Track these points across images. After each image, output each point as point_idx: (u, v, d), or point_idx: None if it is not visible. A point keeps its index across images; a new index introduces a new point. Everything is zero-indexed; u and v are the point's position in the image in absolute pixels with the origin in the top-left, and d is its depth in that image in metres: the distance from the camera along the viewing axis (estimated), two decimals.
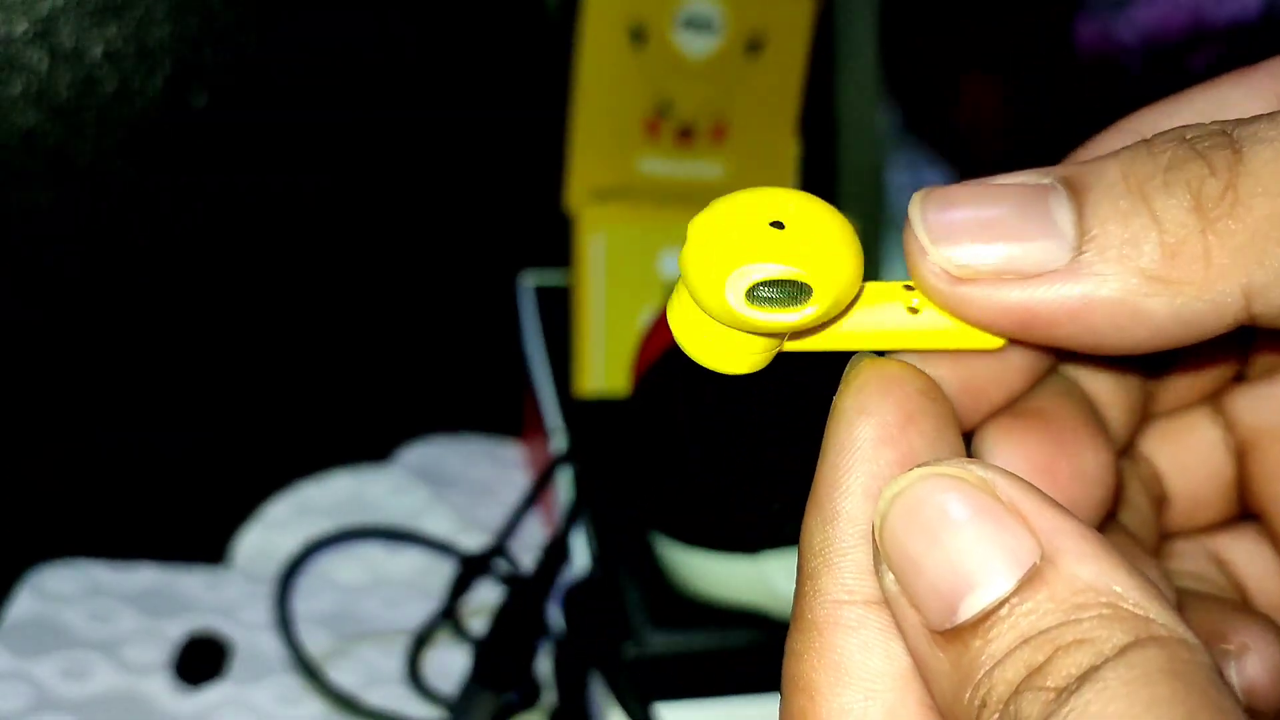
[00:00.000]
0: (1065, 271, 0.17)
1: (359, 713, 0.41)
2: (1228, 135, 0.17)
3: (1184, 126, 0.18)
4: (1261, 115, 0.18)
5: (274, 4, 0.55)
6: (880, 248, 0.67)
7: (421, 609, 0.47)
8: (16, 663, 0.42)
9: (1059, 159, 0.20)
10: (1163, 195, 0.17)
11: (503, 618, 0.39)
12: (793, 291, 0.20)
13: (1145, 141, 0.18)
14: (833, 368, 0.23)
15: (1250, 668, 0.21)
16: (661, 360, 0.39)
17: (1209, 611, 0.21)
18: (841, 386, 0.20)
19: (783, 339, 0.22)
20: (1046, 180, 0.18)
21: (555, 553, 0.39)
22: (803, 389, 0.40)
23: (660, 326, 0.40)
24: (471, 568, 0.45)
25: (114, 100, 0.53)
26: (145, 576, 0.48)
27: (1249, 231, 0.17)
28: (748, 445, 0.41)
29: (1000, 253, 0.18)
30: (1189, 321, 0.17)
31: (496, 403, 0.61)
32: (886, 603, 0.17)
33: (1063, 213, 0.18)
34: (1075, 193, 0.18)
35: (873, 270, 0.66)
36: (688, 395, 0.40)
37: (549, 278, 0.56)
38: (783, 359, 0.27)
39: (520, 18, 0.60)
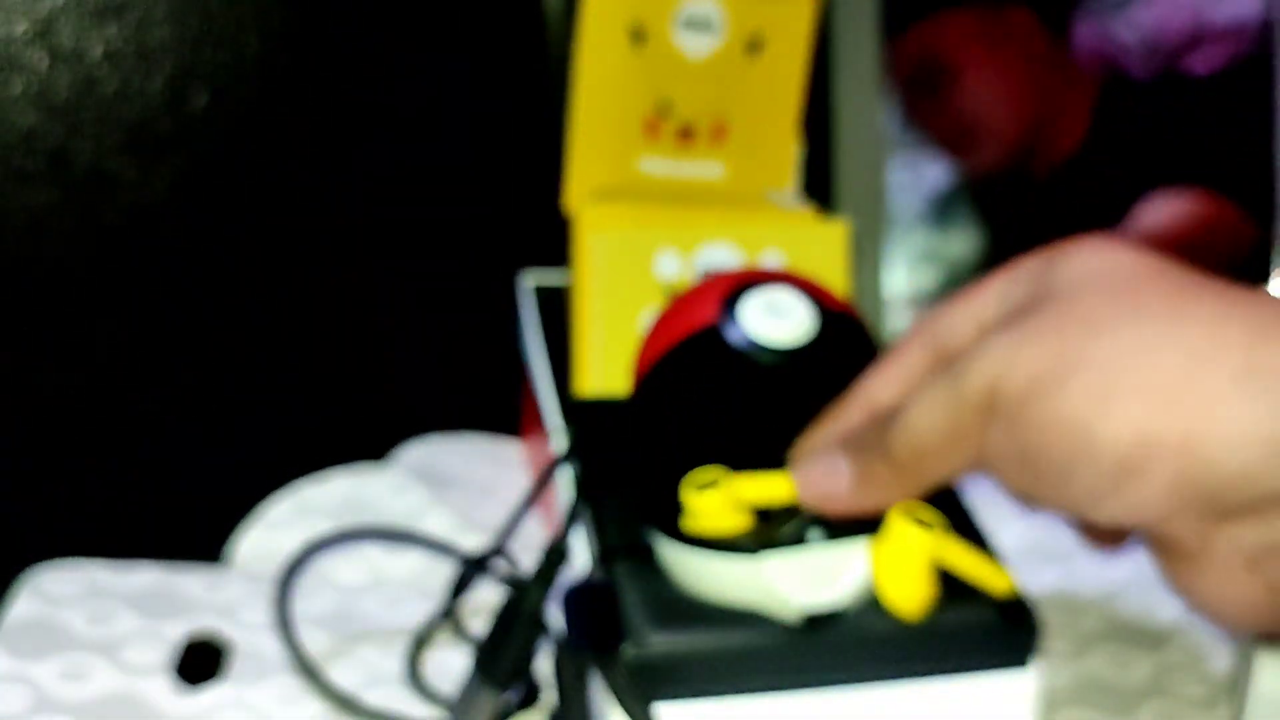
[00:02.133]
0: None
1: (359, 713, 0.41)
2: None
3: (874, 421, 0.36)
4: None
5: (274, 5, 0.55)
6: (880, 248, 0.67)
7: (421, 609, 0.47)
8: (16, 664, 0.42)
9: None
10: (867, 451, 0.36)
11: (502, 618, 0.39)
12: None
13: (862, 425, 0.37)
14: (818, 384, 0.39)
15: None
16: (661, 363, 0.39)
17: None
18: None
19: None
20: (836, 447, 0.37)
21: (555, 553, 0.39)
22: (798, 400, 0.41)
23: (660, 329, 0.40)
24: (471, 568, 0.45)
25: (114, 100, 0.53)
26: (145, 577, 0.48)
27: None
28: (744, 449, 0.41)
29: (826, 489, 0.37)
30: None
31: (496, 402, 0.62)
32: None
33: (843, 463, 0.37)
34: (845, 450, 0.37)
35: (871, 271, 0.66)
36: (685, 398, 0.40)
37: (549, 278, 0.56)
38: (776, 368, 0.37)
39: (520, 17, 0.61)
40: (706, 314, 0.38)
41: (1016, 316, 0.34)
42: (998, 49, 0.65)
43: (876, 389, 0.38)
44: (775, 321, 0.38)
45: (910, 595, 0.36)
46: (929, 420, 0.34)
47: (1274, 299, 0.32)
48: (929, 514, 0.36)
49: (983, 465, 0.34)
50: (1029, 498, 0.35)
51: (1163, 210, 0.65)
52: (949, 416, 0.33)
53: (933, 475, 0.35)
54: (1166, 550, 0.34)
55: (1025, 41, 0.65)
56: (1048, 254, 0.36)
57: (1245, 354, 0.30)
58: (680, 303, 0.40)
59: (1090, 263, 0.34)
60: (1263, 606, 0.33)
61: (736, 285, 0.39)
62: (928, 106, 0.65)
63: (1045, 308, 0.33)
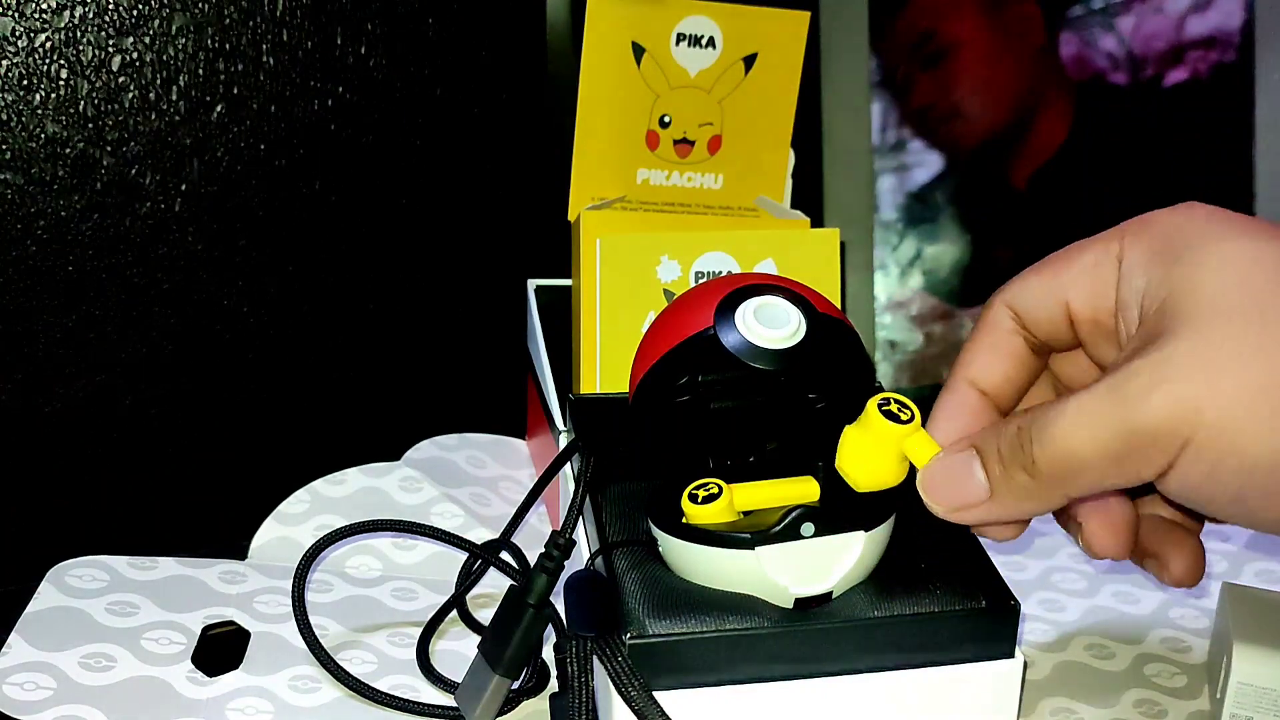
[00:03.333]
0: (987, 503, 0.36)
1: (372, 699, 0.42)
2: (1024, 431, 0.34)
3: (1009, 423, 0.35)
4: (1043, 406, 0.34)
5: (288, 19, 0.56)
6: (870, 254, 0.68)
7: (431, 599, 0.48)
8: (40, 654, 0.43)
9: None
10: (1007, 459, 0.35)
11: (508, 606, 0.40)
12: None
13: (995, 426, 0.35)
14: (810, 384, 0.40)
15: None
16: (659, 365, 0.40)
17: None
18: None
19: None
20: (969, 452, 0.36)
21: (559, 544, 0.40)
22: (791, 400, 0.42)
23: (657, 333, 0.41)
24: (479, 559, 0.46)
25: (133, 111, 0.53)
26: (166, 570, 0.49)
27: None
28: (739, 447, 0.43)
29: (960, 499, 0.36)
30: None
31: (503, 404, 0.62)
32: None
33: (978, 470, 0.36)
34: (979, 456, 0.36)
35: (867, 273, 0.67)
36: (683, 399, 0.41)
37: (554, 285, 0.57)
38: (770, 371, 0.38)
39: (525, 38, 0.61)
40: (702, 319, 0.39)
41: (1169, 327, 0.32)
42: (999, 32, 0.64)
43: (979, 373, 0.38)
44: (768, 325, 0.39)
45: (868, 476, 0.38)
46: (1088, 436, 0.32)
47: None
48: (908, 407, 0.37)
49: (1159, 486, 0.33)
50: (1209, 514, 0.34)
51: None
52: (1117, 438, 0.32)
53: (1082, 489, 0.34)
54: None
55: (1026, 31, 0.64)
56: (1160, 229, 0.34)
57: None
58: (676, 308, 0.41)
59: (1234, 259, 0.32)
60: None
61: (730, 291, 0.40)
62: (924, 80, 0.64)
63: (1210, 323, 0.31)
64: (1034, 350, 0.39)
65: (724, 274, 0.51)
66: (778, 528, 0.37)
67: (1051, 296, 0.37)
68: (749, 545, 0.37)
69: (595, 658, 0.37)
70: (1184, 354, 0.31)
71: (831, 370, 0.40)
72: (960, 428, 0.38)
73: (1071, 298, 0.36)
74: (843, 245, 0.54)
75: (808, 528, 0.37)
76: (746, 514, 0.40)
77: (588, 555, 0.42)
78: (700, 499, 0.39)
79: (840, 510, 0.38)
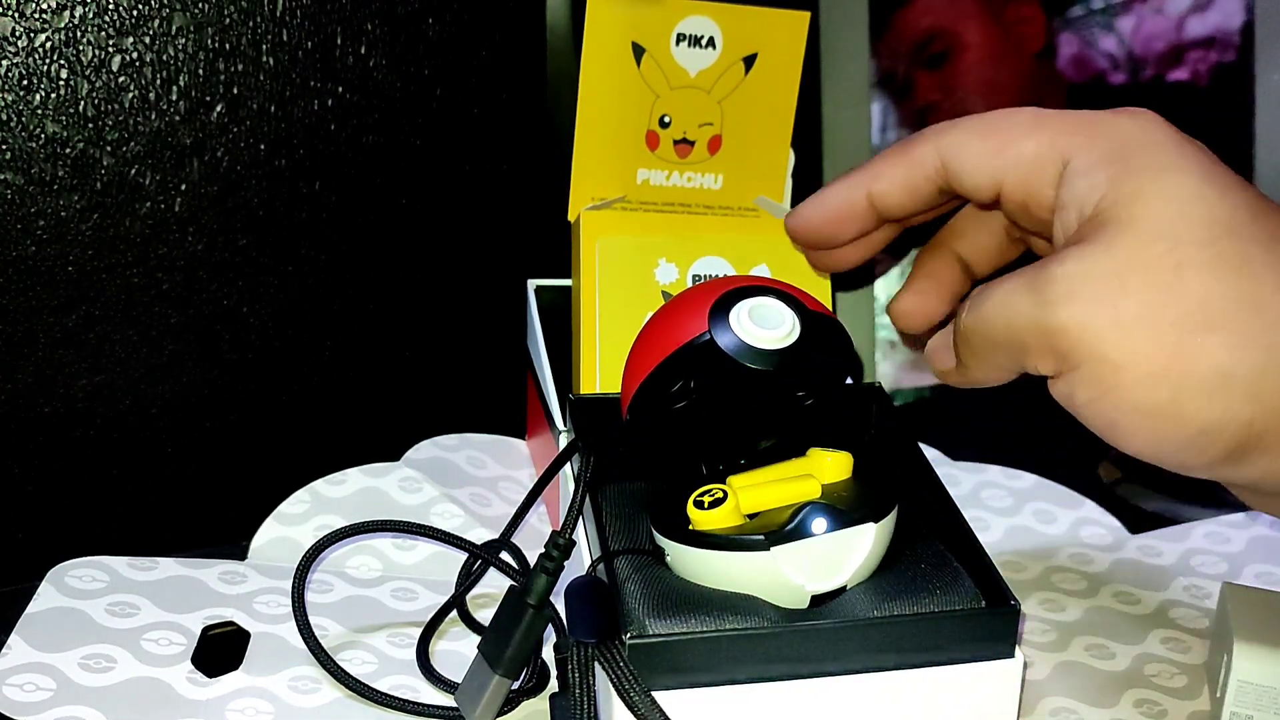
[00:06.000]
0: None
1: (372, 700, 0.42)
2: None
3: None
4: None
5: (288, 18, 0.56)
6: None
7: (431, 600, 0.48)
8: (40, 655, 0.43)
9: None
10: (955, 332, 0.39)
11: (508, 607, 0.40)
12: None
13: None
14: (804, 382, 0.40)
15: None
16: (658, 370, 0.40)
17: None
18: None
19: None
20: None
21: (560, 543, 0.40)
22: (786, 398, 0.42)
23: (652, 337, 0.41)
24: (479, 559, 0.46)
25: (133, 111, 0.53)
26: (166, 571, 0.49)
27: None
28: (739, 446, 0.43)
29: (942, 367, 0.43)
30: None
31: (503, 404, 0.62)
32: None
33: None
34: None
35: (865, 274, 0.67)
36: (683, 403, 0.41)
37: (554, 285, 0.57)
38: (766, 371, 0.39)
39: (527, 38, 0.61)
40: (695, 325, 0.39)
41: (1097, 235, 0.34)
42: (1003, 33, 0.65)
43: (883, 193, 0.40)
44: (764, 326, 0.39)
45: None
46: (1004, 321, 0.35)
47: None
48: (715, 491, 0.40)
49: (1049, 387, 0.35)
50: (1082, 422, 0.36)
51: None
52: (1026, 330, 0.34)
53: (998, 365, 0.37)
54: None
55: (1029, 33, 0.65)
56: (1115, 137, 0.35)
57: None
58: (666, 315, 0.41)
59: (1179, 195, 0.34)
60: None
61: (721, 294, 0.40)
62: (927, 80, 0.64)
63: (1134, 245, 0.33)
64: (940, 193, 0.40)
65: (719, 273, 0.51)
66: (790, 526, 0.38)
67: (985, 167, 0.38)
68: (764, 547, 0.38)
69: (596, 663, 0.37)
70: (1102, 271, 0.33)
71: (825, 366, 0.41)
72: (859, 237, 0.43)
73: (1007, 179, 0.37)
74: None
75: (819, 524, 0.38)
76: (752, 516, 0.40)
77: (588, 556, 0.42)
78: (706, 505, 0.39)
79: (848, 504, 0.38)
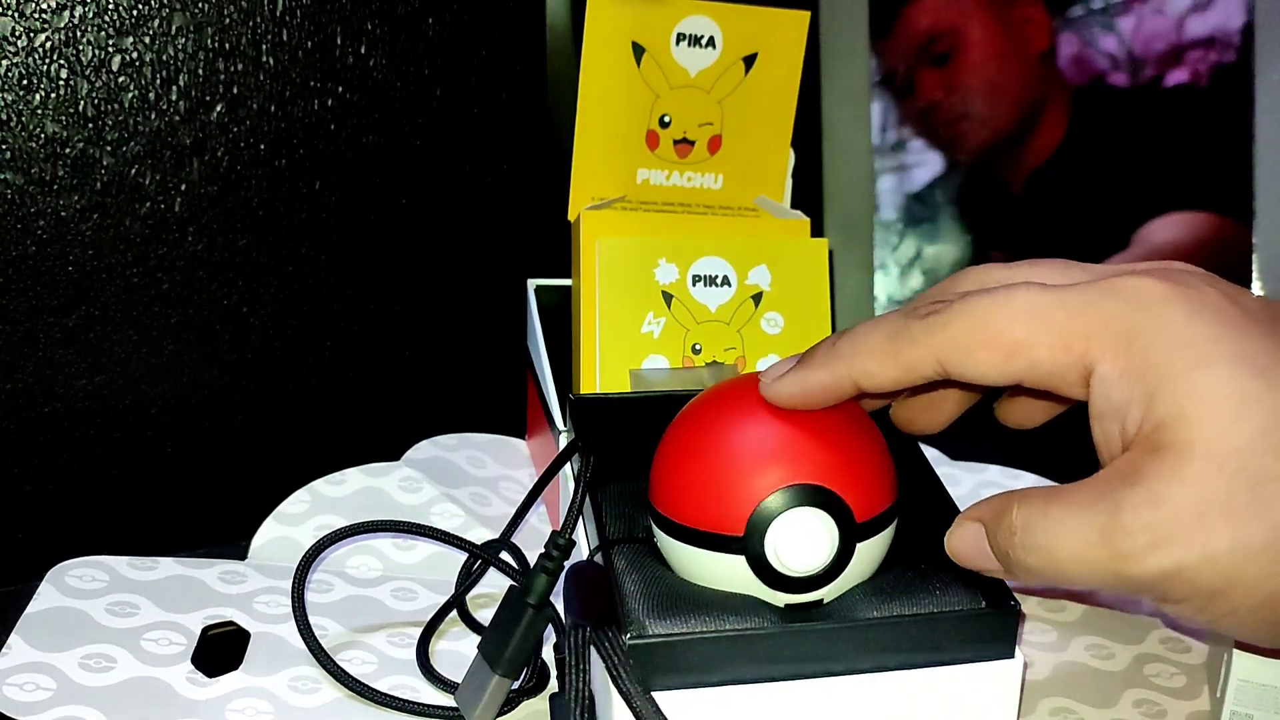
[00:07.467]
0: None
1: (372, 700, 0.42)
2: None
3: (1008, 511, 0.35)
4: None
5: (288, 18, 0.56)
6: (870, 254, 0.68)
7: (431, 599, 0.48)
8: (40, 655, 0.43)
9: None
10: (999, 555, 0.36)
11: (507, 606, 0.40)
12: None
13: (998, 510, 0.36)
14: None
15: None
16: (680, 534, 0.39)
17: None
18: None
19: None
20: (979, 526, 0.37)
21: (560, 543, 0.40)
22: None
23: (683, 473, 0.39)
24: (479, 559, 0.46)
25: (133, 111, 0.53)
26: (166, 570, 0.49)
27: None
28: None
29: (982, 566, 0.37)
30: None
31: (503, 404, 0.63)
32: None
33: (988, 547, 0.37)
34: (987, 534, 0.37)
35: (867, 273, 0.67)
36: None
37: (554, 285, 0.57)
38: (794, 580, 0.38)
39: (527, 38, 0.61)
40: (733, 515, 0.37)
41: (1161, 469, 0.33)
42: (1007, 32, 0.64)
43: (871, 383, 0.37)
44: (801, 550, 0.37)
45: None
46: (1082, 571, 0.34)
47: None
48: None
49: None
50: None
51: (1169, 231, 0.65)
52: (1107, 578, 0.33)
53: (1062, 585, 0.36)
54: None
55: (1032, 32, 0.65)
56: (1135, 340, 0.33)
57: None
58: (714, 466, 0.38)
59: (1224, 400, 0.32)
60: None
61: (763, 500, 0.37)
62: (931, 78, 0.64)
63: (1203, 473, 0.32)
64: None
65: (721, 279, 0.51)
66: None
67: (996, 374, 0.35)
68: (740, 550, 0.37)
69: (592, 647, 0.37)
70: (1180, 515, 0.32)
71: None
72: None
73: (1024, 380, 0.35)
74: (832, 252, 0.54)
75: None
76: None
77: (588, 554, 0.42)
78: None
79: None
